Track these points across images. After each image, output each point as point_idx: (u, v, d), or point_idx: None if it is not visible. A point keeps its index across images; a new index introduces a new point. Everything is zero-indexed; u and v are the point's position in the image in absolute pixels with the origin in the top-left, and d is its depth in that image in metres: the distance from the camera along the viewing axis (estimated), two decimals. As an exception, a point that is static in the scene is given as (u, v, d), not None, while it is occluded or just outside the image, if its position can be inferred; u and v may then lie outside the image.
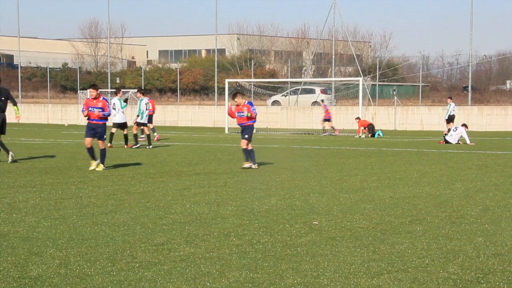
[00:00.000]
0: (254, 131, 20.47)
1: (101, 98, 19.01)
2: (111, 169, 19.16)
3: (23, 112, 59.69)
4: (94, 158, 18.91)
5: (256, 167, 19.65)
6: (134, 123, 28.89)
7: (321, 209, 12.44)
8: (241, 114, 19.88)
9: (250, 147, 19.82)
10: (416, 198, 13.95)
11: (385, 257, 8.67)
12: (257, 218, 11.44)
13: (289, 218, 11.46)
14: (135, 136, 28.37)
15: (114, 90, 30.64)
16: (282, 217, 11.51)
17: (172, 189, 15.00)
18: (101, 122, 18.88)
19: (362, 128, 39.29)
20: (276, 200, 13.41)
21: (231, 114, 20.25)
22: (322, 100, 46.68)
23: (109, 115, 18.95)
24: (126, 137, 28.53)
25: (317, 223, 10.99)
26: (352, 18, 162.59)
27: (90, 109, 18.87)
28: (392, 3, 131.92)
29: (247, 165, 19.67)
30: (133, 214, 11.76)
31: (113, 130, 28.25)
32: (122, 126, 28.32)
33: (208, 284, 7.46)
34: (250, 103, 20.07)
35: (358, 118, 40.52)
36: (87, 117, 18.97)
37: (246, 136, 19.77)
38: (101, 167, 18.85)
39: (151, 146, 27.98)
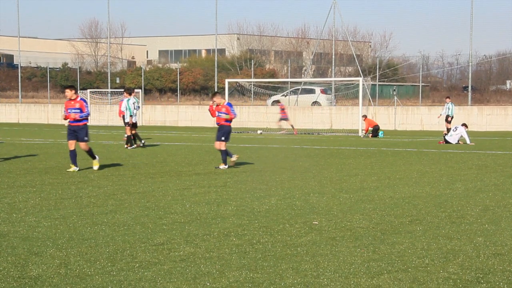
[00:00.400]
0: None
1: (78, 99, 18.73)
2: (111, 169, 19.17)
3: (23, 112, 59.67)
4: (74, 163, 18.58)
5: (225, 167, 19.60)
6: (128, 125, 28.59)
7: (321, 209, 12.44)
8: (220, 114, 19.94)
9: (223, 148, 19.80)
10: (416, 198, 13.95)
11: (385, 257, 8.68)
12: (257, 218, 11.44)
13: (289, 218, 11.46)
14: (129, 137, 28.20)
15: (128, 90, 30.55)
16: (282, 217, 11.51)
17: (172, 189, 15.00)
18: (81, 124, 18.63)
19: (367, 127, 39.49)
20: (276, 200, 13.41)
21: (211, 113, 20.27)
22: (278, 101, 46.53)
23: (87, 115, 18.63)
24: (135, 136, 28.67)
25: (317, 223, 11.00)
26: (352, 18, 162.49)
27: (68, 110, 18.73)
28: (392, 3, 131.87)
29: (222, 166, 19.62)
30: (133, 214, 11.76)
31: (133, 131, 28.36)
32: (133, 125, 28.44)
33: (208, 284, 7.46)
34: (229, 104, 20.06)
35: (365, 116, 40.56)
36: (67, 120, 18.83)
37: (223, 138, 19.78)
38: (96, 163, 18.78)
39: (144, 141, 28.02)
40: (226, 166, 19.63)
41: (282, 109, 43.40)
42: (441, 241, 9.69)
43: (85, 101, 18.92)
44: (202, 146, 30.13)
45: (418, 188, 15.47)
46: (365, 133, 39.32)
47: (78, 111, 18.59)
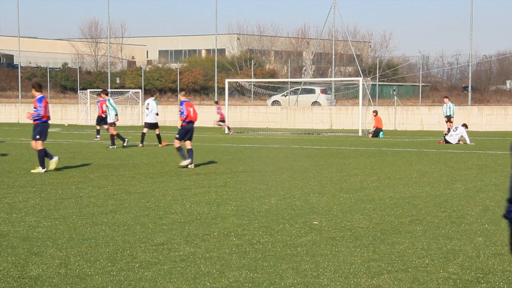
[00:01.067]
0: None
1: (36, 98, 18.22)
2: (111, 169, 19.15)
3: (23, 112, 59.64)
4: (41, 163, 18.13)
5: (187, 163, 19.55)
6: (112, 124, 28.54)
7: (321, 209, 12.44)
8: None
9: (176, 145, 19.89)
10: (416, 198, 13.95)
11: (385, 257, 8.67)
12: (257, 218, 11.44)
13: (289, 218, 11.46)
14: (113, 137, 28.18)
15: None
16: (282, 217, 11.51)
17: (172, 189, 15.00)
18: (35, 122, 18.20)
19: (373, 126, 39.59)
20: (276, 200, 13.41)
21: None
22: (217, 102, 46.25)
23: (38, 116, 18.03)
24: (158, 136, 28.96)
25: (317, 223, 10.99)
26: (352, 18, 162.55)
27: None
28: (392, 3, 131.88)
29: (185, 162, 19.60)
30: (133, 214, 11.76)
31: (145, 130, 28.65)
32: (154, 126, 28.67)
33: (208, 284, 7.45)
34: (181, 103, 20.08)
35: (376, 112, 40.47)
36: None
37: (180, 137, 19.95)
38: (37, 168, 18.07)
39: (115, 146, 27.78)
40: (188, 162, 19.55)
41: (220, 112, 43.10)
42: (441, 241, 9.68)
43: (40, 101, 18.14)
44: (202, 146, 30.12)
45: (418, 188, 15.47)
46: (374, 128, 39.42)
47: (35, 110, 18.24)
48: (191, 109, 20.00)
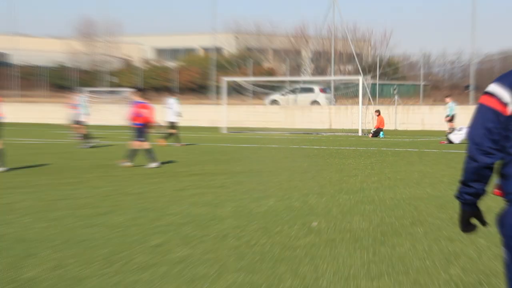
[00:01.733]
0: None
1: None
2: (108, 170, 19.08)
3: (19, 111, 59.58)
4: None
5: (128, 165, 19.58)
6: (80, 123, 28.68)
7: (320, 210, 12.35)
8: None
9: (147, 146, 19.93)
10: (417, 199, 13.86)
11: (386, 259, 8.58)
12: (255, 219, 11.34)
13: (287, 219, 11.37)
14: (85, 136, 28.27)
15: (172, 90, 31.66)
16: (280, 219, 11.42)
17: (169, 190, 14.92)
18: None
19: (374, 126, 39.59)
20: (274, 201, 13.32)
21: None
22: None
23: None
24: (169, 135, 29.26)
25: (316, 224, 10.90)
26: (352, 16, 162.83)
27: None
28: (392, 1, 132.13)
29: (151, 164, 19.54)
30: (130, 215, 11.66)
31: (173, 130, 29.08)
32: (173, 127, 29.09)
33: (205, 286, 7.37)
34: (134, 103, 20.20)
35: (378, 111, 40.36)
36: None
37: (140, 138, 20.15)
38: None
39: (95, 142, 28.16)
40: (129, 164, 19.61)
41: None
42: (442, 243, 9.59)
43: None
44: (199, 146, 30.08)
45: (419, 189, 15.38)
46: (375, 129, 39.38)
47: None
48: (146, 111, 19.91)
